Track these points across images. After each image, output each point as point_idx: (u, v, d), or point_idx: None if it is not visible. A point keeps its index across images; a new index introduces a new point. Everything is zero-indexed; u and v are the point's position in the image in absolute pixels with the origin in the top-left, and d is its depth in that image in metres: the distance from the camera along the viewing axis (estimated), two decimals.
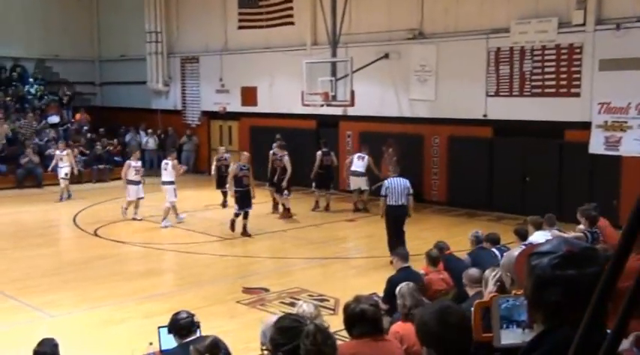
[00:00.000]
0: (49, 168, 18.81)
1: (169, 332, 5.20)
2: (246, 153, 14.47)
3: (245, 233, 13.44)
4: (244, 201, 13.44)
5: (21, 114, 22.54)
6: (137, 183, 14.96)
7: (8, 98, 23.11)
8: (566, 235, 8.25)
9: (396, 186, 10.91)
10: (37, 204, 17.28)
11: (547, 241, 1.68)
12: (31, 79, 24.88)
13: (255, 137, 20.56)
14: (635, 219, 1.09)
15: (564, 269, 1.55)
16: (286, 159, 15.28)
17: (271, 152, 15.81)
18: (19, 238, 13.62)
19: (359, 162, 16.15)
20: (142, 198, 15.04)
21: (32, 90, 24.42)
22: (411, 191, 11.07)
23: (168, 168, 14.70)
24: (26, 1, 24.01)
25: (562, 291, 1.54)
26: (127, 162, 15.42)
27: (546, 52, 14.71)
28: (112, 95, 26.75)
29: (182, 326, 5.04)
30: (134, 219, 14.92)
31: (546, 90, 14.76)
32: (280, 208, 15.65)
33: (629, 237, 1.12)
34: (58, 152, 18.39)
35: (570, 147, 14.41)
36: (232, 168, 14.11)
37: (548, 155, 14.72)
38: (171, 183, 14.58)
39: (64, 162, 18.02)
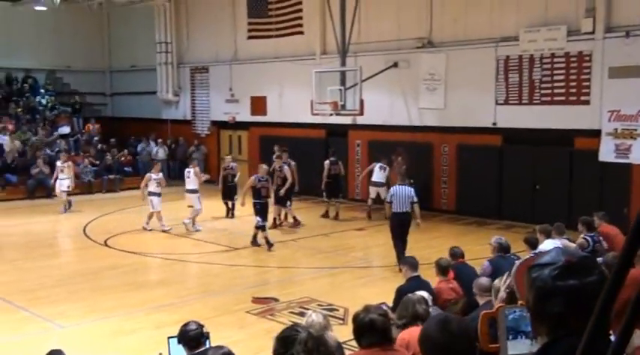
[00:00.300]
0: (52, 181, 18.40)
1: (179, 342, 5.19)
2: (264, 166, 14.03)
3: (268, 244, 13.10)
4: (265, 213, 13.23)
5: (32, 125, 22.71)
6: (158, 194, 14.98)
7: (19, 109, 23.28)
8: (573, 244, 8.22)
9: (401, 193, 11.30)
10: (48, 215, 17.36)
11: (545, 252, 1.67)
12: (42, 90, 25.11)
13: (264, 146, 20.60)
14: (637, 231, 1.08)
15: (565, 280, 1.55)
16: (286, 168, 15.23)
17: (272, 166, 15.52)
18: (30, 249, 13.68)
19: (381, 173, 16.18)
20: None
21: (43, 101, 24.62)
22: (415, 199, 11.35)
23: (191, 176, 15.06)
24: (38, 13, 24.22)
25: (564, 302, 1.54)
26: (148, 174, 15.37)
27: (555, 59, 14.68)
28: (123, 105, 26.93)
29: (191, 337, 5.04)
30: (144, 228, 14.97)
31: (556, 98, 14.71)
32: (283, 219, 15.63)
33: (632, 247, 1.11)
34: (58, 164, 18.06)
35: (580, 155, 14.35)
36: (250, 180, 13.81)
37: (558, 163, 14.66)
38: (195, 191, 14.98)
39: (65, 174, 17.75)
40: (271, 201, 14.60)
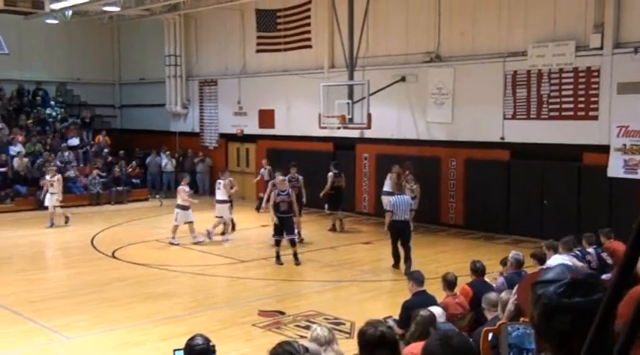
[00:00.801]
0: (41, 197, 18.20)
1: None
2: (282, 178, 13.84)
3: (296, 261, 12.96)
4: (283, 228, 12.94)
5: (42, 137, 22.86)
6: (187, 208, 14.96)
7: (30, 121, 23.45)
8: (580, 264, 8.17)
9: (401, 203, 12.09)
10: (56, 226, 17.41)
11: (549, 269, 1.67)
12: (52, 102, 25.30)
13: (272, 159, 20.62)
14: (634, 247, 1.09)
15: (571, 297, 1.55)
16: (300, 179, 15.65)
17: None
18: (38, 260, 13.76)
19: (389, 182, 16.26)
20: (191, 222, 15.02)
21: (53, 113, 24.80)
22: (413, 206, 12.51)
23: (221, 188, 15.32)
24: (49, 26, 24.47)
25: (569, 319, 1.53)
26: (181, 187, 15.34)
27: (564, 75, 14.68)
28: (132, 118, 27.09)
29: (197, 352, 5.02)
30: (171, 243, 14.90)
31: (564, 113, 14.69)
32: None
33: (629, 263, 1.12)
34: (47, 177, 17.68)
35: (588, 171, 14.30)
36: (271, 196, 13.40)
37: (566, 178, 14.61)
38: (225, 201, 15.29)
39: (54, 188, 17.41)
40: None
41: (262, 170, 18.25)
